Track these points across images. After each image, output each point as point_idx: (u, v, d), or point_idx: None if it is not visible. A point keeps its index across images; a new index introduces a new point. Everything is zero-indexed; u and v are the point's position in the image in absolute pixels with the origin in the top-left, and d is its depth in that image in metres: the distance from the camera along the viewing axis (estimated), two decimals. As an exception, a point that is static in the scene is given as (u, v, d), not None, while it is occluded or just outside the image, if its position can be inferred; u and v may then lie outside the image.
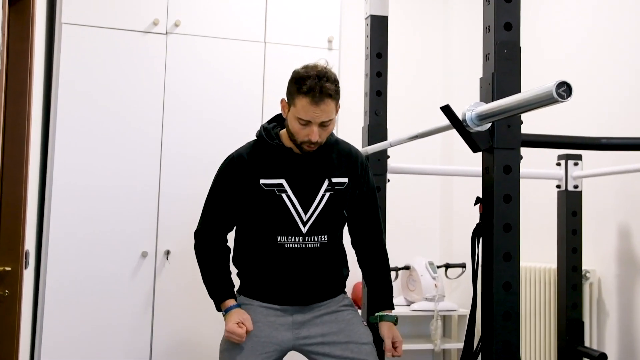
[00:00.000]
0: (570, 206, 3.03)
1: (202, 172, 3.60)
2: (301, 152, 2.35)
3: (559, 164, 3.10)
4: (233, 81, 3.68)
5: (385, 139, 2.82)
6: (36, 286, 3.40)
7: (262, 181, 2.35)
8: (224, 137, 3.63)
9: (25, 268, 2.86)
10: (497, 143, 1.78)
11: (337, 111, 2.32)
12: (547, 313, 3.31)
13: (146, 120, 3.55)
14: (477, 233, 1.97)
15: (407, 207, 4.31)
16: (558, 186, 3.09)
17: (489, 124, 1.77)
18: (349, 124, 3.81)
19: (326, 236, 2.40)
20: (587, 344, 3.09)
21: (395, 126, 3.34)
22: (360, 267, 2.56)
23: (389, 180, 2.98)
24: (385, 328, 2.45)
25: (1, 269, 2.60)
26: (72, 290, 3.39)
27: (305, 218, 2.37)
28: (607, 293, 3.16)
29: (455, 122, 1.77)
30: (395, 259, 4.05)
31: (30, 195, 2.99)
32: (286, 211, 2.34)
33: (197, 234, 2.45)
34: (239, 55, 3.69)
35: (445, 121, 1.87)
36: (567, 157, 3.06)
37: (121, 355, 3.44)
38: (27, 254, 2.89)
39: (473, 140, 1.79)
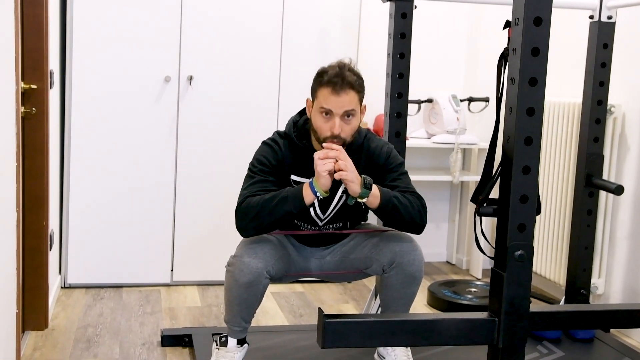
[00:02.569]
0: (601, 38, 2.94)
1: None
2: None
3: (594, -7, 2.98)
4: None
5: (415, -39, 2.71)
6: (62, 107, 3.44)
7: (293, 177, 2.42)
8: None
9: (51, 87, 2.89)
10: (532, -41, 1.71)
11: (362, 109, 2.35)
12: (569, 146, 3.32)
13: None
14: (503, 58, 1.94)
15: (432, 38, 4.20)
16: (591, 17, 2.99)
17: (525, -61, 1.69)
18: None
19: (341, 223, 2.53)
20: (605, 177, 3.13)
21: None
22: None
23: (415, 7, 2.90)
24: None
25: (27, 86, 2.63)
26: (97, 112, 3.44)
27: (322, 217, 2.49)
28: (630, 128, 3.14)
29: (490, -62, 1.68)
30: (418, 92, 4.04)
31: (52, 16, 2.96)
32: (306, 210, 2.41)
33: (239, 207, 2.34)
34: None
35: (479, -62, 1.78)
36: (604, -14, 2.93)
37: (146, 175, 3.55)
38: (51, 73, 2.91)
39: (507, -42, 1.71)
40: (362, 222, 2.65)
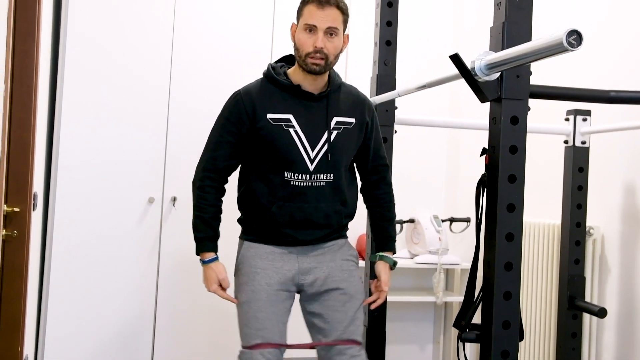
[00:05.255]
0: (577, 162, 3.02)
1: (209, 118, 3.59)
2: (308, 70, 2.33)
3: (567, 119, 3.08)
4: (241, 35, 3.66)
5: (394, 89, 2.81)
6: (44, 228, 3.43)
7: (269, 115, 2.36)
8: (231, 83, 3.62)
9: (34, 210, 2.89)
10: (505, 93, 1.78)
11: (344, 40, 2.37)
12: (549, 268, 3.33)
13: (155, 69, 3.54)
14: (482, 184, 1.98)
15: (413, 160, 4.30)
16: (565, 142, 3.08)
17: (498, 74, 1.76)
18: (357, 73, 3.79)
19: (332, 175, 2.40)
20: (587, 299, 3.12)
21: (405, 77, 3.32)
22: (368, 209, 2.61)
23: (396, 132, 2.98)
24: (380, 267, 2.54)
25: (10, 209, 2.63)
26: (80, 234, 3.43)
27: (312, 155, 2.37)
28: (609, 249, 3.17)
29: (464, 71, 1.76)
30: (400, 212, 4.05)
31: (39, 139, 3.00)
32: (294, 146, 2.35)
33: (198, 167, 2.49)
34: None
35: (454, 71, 1.86)
36: (576, 113, 3.04)
37: (127, 299, 3.50)
38: (35, 195, 2.92)
39: (481, 90, 1.78)
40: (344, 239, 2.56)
